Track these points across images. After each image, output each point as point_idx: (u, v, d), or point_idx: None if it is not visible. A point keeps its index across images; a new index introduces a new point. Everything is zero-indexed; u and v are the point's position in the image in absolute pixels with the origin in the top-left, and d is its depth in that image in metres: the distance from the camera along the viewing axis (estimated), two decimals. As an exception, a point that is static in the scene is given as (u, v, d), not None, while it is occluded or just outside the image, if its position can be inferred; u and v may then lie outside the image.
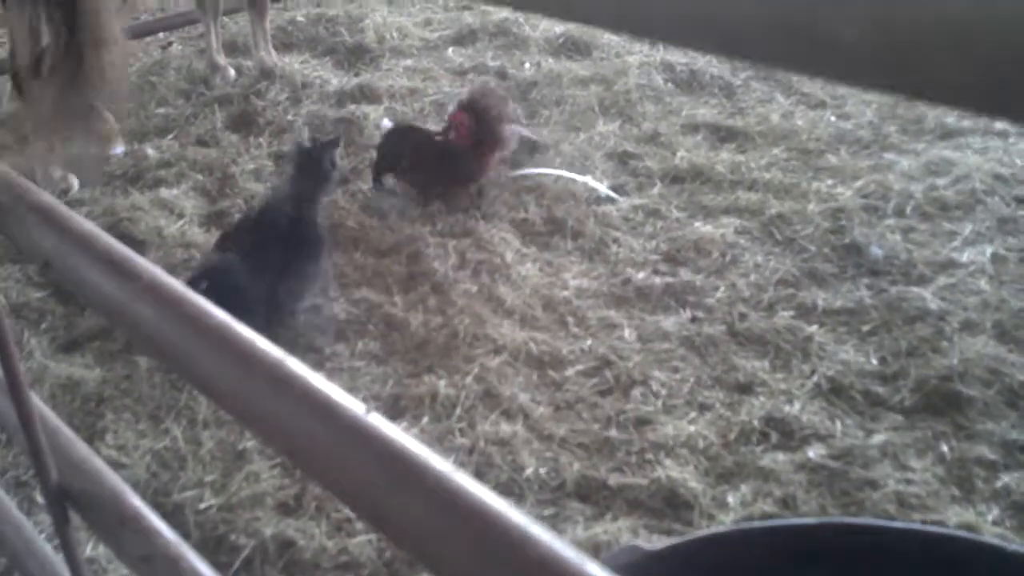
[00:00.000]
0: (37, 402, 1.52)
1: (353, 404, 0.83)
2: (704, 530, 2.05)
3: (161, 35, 5.65)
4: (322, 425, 0.83)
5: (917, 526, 1.78)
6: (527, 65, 4.90)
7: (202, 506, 2.48)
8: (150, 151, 4.28)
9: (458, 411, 2.71)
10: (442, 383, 2.80)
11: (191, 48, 5.54)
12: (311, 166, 3.22)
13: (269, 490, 2.50)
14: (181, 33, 5.75)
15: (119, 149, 4.27)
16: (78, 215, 1.18)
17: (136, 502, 1.39)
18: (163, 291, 1.04)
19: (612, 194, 3.81)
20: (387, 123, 4.34)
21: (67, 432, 1.62)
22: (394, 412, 2.74)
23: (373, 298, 3.21)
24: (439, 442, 2.60)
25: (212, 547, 2.35)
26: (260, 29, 4.97)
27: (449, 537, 0.72)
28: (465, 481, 0.73)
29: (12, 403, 1.38)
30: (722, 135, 4.23)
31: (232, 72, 4.97)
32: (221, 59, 5.00)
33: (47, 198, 1.21)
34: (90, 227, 1.15)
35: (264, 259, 3.02)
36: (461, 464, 2.50)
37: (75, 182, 4.03)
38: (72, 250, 1.14)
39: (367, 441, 0.80)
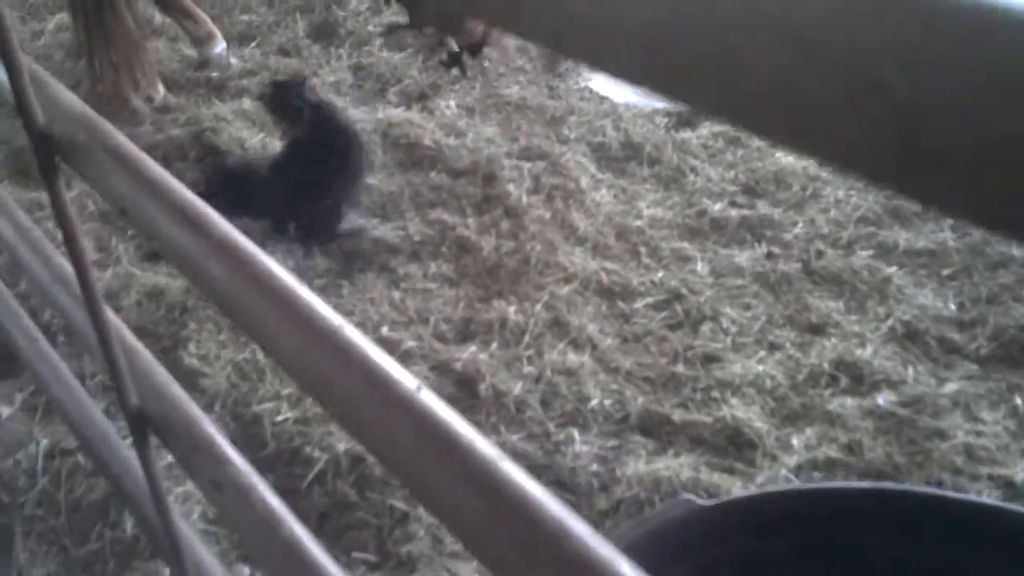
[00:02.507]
0: (116, 322, 1.59)
1: (406, 379, 0.85)
2: (756, 489, 2.06)
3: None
4: (374, 397, 0.85)
5: (973, 498, 1.76)
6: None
7: (279, 419, 2.57)
8: (233, 60, 4.32)
9: (527, 338, 2.74)
10: (512, 309, 2.83)
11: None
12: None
13: (340, 408, 2.58)
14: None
15: (219, 48, 4.32)
16: (152, 161, 1.20)
17: (210, 429, 1.45)
18: (233, 250, 1.06)
19: None
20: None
21: (146, 355, 1.69)
22: (464, 336, 2.78)
23: (447, 219, 3.23)
24: (507, 368, 2.64)
25: (287, 459, 2.45)
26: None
27: (486, 522, 0.75)
28: (510, 469, 0.75)
29: (93, 328, 1.45)
30: (812, 60, 4.09)
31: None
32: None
33: (124, 141, 1.23)
34: (164, 175, 1.18)
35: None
36: (527, 392, 2.55)
37: (161, 89, 4.09)
38: (146, 199, 1.16)
39: (417, 418, 0.82)
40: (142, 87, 3.99)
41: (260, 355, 2.76)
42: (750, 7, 0.35)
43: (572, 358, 2.65)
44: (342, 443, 2.45)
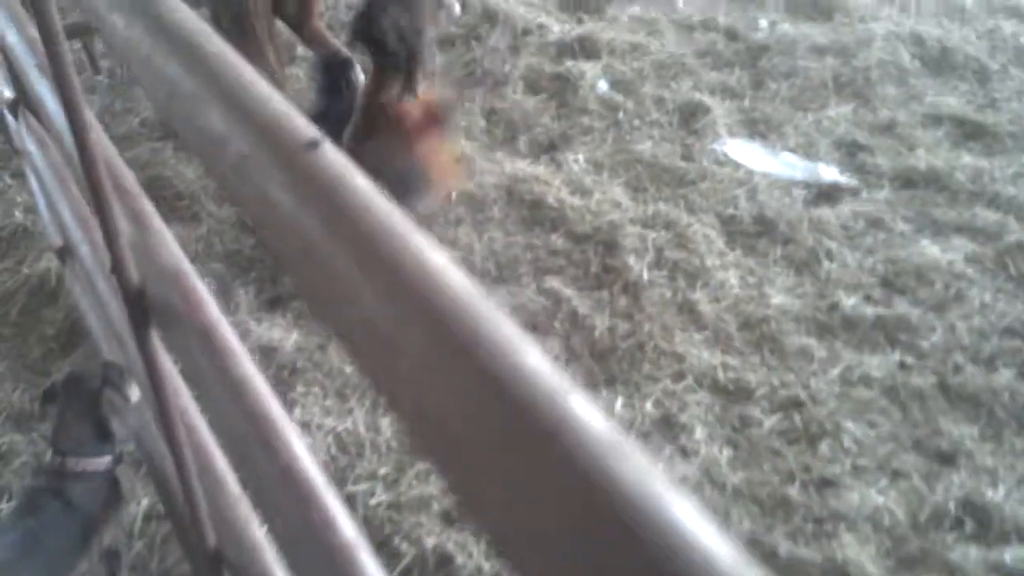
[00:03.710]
0: (206, 443, 1.57)
1: None
2: None
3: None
4: None
5: None
6: (762, 24, 4.57)
7: (373, 501, 2.55)
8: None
9: (632, 438, 2.63)
10: (619, 402, 2.73)
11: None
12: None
13: (436, 494, 2.53)
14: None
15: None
16: (242, 350, 1.15)
17: (284, 588, 1.41)
18: (301, 483, 1.02)
19: (844, 180, 3.54)
20: (603, 87, 4.19)
21: (232, 488, 1.66)
22: (568, 425, 2.69)
23: (562, 291, 3.14)
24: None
25: (376, 547, 2.41)
26: (487, -36, 4.87)
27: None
28: None
29: (175, 465, 1.43)
30: (967, 131, 3.82)
31: (458, 8, 4.89)
32: (448, -6, 4.95)
33: (215, 320, 1.18)
34: (249, 374, 1.13)
35: None
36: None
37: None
38: (226, 395, 1.12)
39: None
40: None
41: (361, 427, 2.75)
42: None
43: (678, 467, 2.53)
44: (431, 537, 2.41)
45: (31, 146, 2.71)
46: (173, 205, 3.60)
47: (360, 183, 0.49)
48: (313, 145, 0.52)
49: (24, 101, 2.64)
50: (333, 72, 3.56)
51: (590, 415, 0.36)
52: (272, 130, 0.53)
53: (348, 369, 2.94)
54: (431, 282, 0.42)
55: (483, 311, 0.40)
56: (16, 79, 2.51)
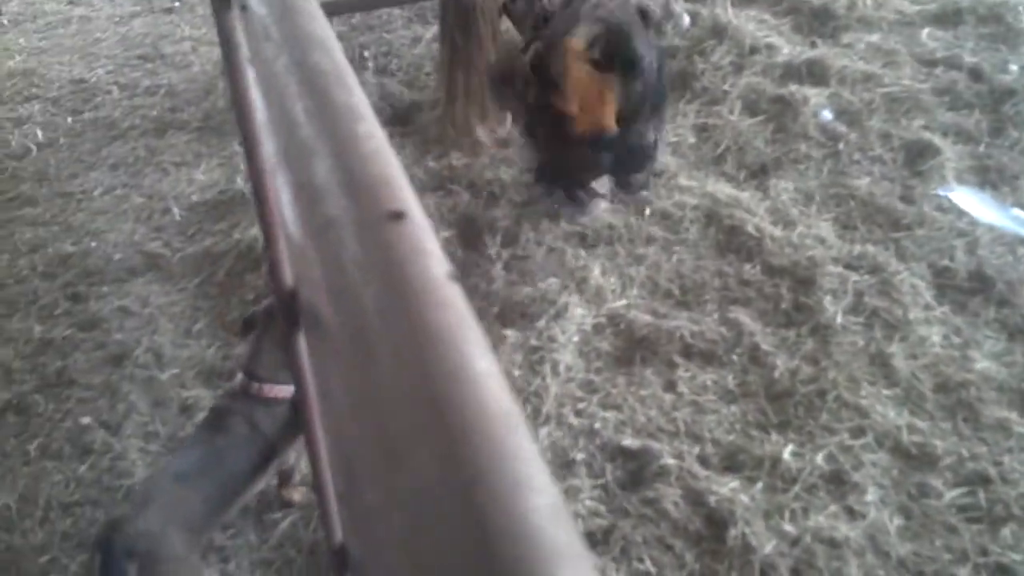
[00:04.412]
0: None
1: None
2: None
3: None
4: None
5: None
6: (1012, 68, 4.21)
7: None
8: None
9: (797, 488, 2.51)
10: (788, 449, 2.61)
11: (657, -19, 5.42)
12: None
13: (584, 512, 2.51)
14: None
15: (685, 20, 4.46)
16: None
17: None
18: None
19: None
20: (826, 115, 4.00)
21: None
22: (729, 465, 2.60)
23: (747, 323, 3.03)
24: (765, 518, 2.44)
25: None
26: (723, -20, 4.75)
27: None
28: None
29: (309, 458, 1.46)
30: None
31: (687, 20, 4.79)
32: (678, 6, 4.86)
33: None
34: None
35: None
36: (780, 554, 2.34)
37: (508, 122, 4.19)
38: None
39: None
40: (489, 118, 4.10)
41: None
42: None
43: (841, 527, 2.39)
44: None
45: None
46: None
47: (429, 267, 0.46)
48: (397, 216, 0.51)
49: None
50: None
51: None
52: (364, 194, 0.52)
53: (519, 375, 2.96)
54: (461, 391, 0.39)
55: (504, 438, 0.37)
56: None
